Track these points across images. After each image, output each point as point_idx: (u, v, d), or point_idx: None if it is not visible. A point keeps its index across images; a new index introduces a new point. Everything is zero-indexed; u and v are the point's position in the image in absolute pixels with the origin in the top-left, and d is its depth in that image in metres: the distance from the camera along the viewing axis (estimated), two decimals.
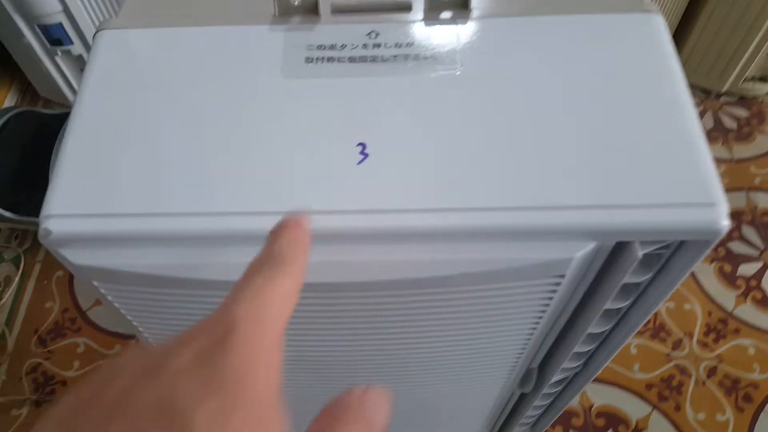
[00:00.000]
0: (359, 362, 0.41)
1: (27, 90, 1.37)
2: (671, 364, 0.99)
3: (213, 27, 0.35)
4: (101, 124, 0.31)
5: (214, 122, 0.31)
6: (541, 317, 0.36)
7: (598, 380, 0.98)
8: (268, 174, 0.30)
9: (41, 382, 1.02)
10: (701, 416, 0.95)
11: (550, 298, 0.33)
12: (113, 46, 0.34)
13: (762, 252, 1.10)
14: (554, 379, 0.47)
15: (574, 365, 0.45)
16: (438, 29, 0.35)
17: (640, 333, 1.02)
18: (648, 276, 0.34)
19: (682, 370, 0.99)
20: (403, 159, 0.30)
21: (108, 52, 0.34)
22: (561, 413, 0.59)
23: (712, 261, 1.09)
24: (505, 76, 0.32)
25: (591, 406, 0.96)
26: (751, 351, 1.00)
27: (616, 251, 0.31)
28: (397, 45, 0.34)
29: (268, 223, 0.29)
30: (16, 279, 1.13)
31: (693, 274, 1.08)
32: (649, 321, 1.04)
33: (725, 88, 1.29)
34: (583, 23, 0.35)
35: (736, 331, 1.02)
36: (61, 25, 1.14)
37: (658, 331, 1.03)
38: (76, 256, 0.30)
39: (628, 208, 0.29)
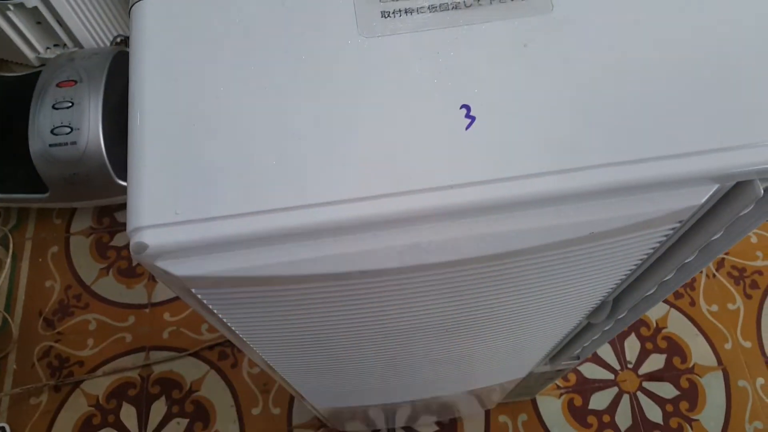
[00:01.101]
0: (462, 320, 0.39)
1: None
2: None
3: None
4: (172, 114, 0.27)
5: (296, 97, 0.28)
6: (646, 258, 0.35)
7: None
8: (370, 153, 0.27)
9: (56, 366, 1.00)
10: (714, 308, 0.99)
11: (663, 242, 0.32)
12: (160, 17, 0.29)
13: None
14: (626, 307, 0.47)
15: (649, 293, 0.45)
16: None
17: None
18: (751, 208, 0.33)
19: None
20: (514, 119, 0.27)
21: (155, 24, 0.29)
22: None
23: None
24: (602, 16, 0.29)
25: None
26: (754, 239, 1.04)
27: (735, 189, 0.30)
28: None
29: (381, 207, 0.26)
30: (8, 260, 1.08)
31: None
32: None
33: None
34: None
35: None
36: None
37: None
38: (177, 268, 0.27)
39: (750, 147, 0.27)
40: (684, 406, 0.92)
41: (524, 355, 0.56)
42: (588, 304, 0.42)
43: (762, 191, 0.29)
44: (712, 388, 0.94)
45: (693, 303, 0.99)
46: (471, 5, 0.30)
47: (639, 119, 0.28)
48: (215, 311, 0.32)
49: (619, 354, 0.96)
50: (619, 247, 0.32)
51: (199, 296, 0.30)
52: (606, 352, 0.97)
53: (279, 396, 0.96)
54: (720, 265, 1.02)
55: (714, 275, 1.01)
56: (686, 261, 0.40)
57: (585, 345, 0.62)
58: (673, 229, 0.31)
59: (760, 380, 0.94)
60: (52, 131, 0.93)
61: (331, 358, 0.44)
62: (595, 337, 0.58)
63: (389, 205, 0.26)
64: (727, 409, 0.92)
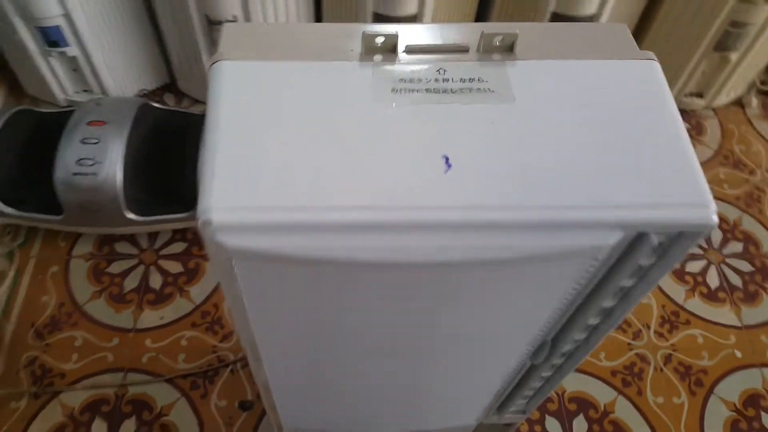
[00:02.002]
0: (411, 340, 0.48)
1: (14, 87, 1.37)
2: (632, 352, 1.12)
3: (311, 62, 0.42)
4: (238, 136, 0.38)
5: (329, 138, 0.38)
6: (573, 294, 0.44)
7: None
8: (377, 178, 0.37)
9: (39, 375, 1.04)
10: (660, 400, 1.07)
11: (584, 278, 0.42)
12: (231, 75, 0.40)
13: (705, 251, 1.25)
14: (563, 350, 0.56)
15: (582, 337, 0.54)
16: (491, 67, 0.43)
17: None
18: (654, 260, 0.43)
19: (642, 358, 1.11)
20: (479, 170, 0.38)
21: (228, 79, 0.40)
22: (550, 393, 0.69)
23: None
24: (549, 110, 0.41)
25: (564, 392, 1.07)
26: (700, 340, 1.14)
27: (635, 240, 0.40)
28: (462, 80, 0.42)
29: (383, 216, 0.37)
30: (11, 274, 1.14)
31: None
32: None
33: None
34: (600, 67, 0.44)
35: (687, 322, 1.15)
36: (59, 27, 1.17)
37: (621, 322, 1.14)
38: (231, 241, 0.36)
39: (649, 207, 0.38)
40: None
41: (473, 390, 0.63)
42: (527, 336, 0.51)
43: (656, 242, 0.40)
44: None
45: (640, 392, 1.07)
46: (456, 91, 0.42)
47: (570, 181, 0.38)
48: (242, 288, 0.41)
49: None
50: (556, 275, 0.41)
51: (236, 271, 0.39)
52: (555, 429, 1.03)
53: (242, 430, 1.00)
54: (668, 360, 1.11)
55: (662, 369, 1.10)
56: (608, 306, 0.49)
57: (530, 396, 0.70)
58: (592, 266, 0.41)
59: None
60: (77, 162, 1.04)
61: (320, 359, 0.52)
62: (538, 386, 0.66)
63: (380, 214, 0.36)
64: None
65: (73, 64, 1.26)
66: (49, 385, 1.03)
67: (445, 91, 0.42)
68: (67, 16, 1.14)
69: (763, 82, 1.46)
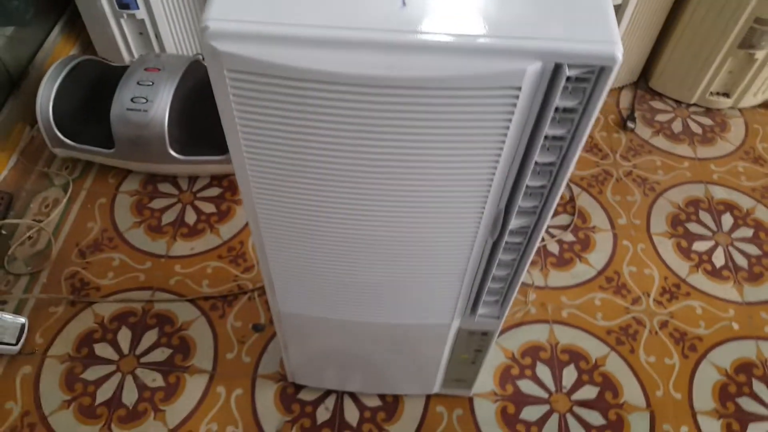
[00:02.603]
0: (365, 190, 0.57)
1: (87, 50, 1.55)
2: (629, 315, 1.15)
3: None
4: None
5: None
6: (504, 136, 0.51)
7: (564, 323, 1.14)
8: (348, 9, 0.47)
9: (78, 287, 1.17)
10: (652, 359, 1.09)
11: (511, 113, 0.49)
12: None
13: (714, 233, 1.27)
14: (515, 223, 0.62)
15: (531, 206, 0.60)
16: None
17: (604, 288, 1.18)
18: (576, 102, 0.50)
19: (639, 322, 1.14)
20: (427, 9, 0.47)
21: None
22: (519, 285, 0.74)
23: (671, 236, 1.26)
24: None
25: (557, 344, 1.11)
26: (699, 311, 1.16)
27: (554, 78, 0.48)
28: None
29: (350, 35, 0.46)
30: (64, 201, 1.29)
31: (654, 245, 1.24)
32: (613, 279, 1.19)
33: (694, 99, 1.48)
34: None
35: (687, 294, 1.18)
36: None
37: (620, 288, 1.18)
38: (224, 47, 0.46)
39: (564, 40, 0.46)
40: None
41: (442, 273, 0.70)
42: (476, 198, 0.58)
43: (569, 72, 0.47)
44: (638, 425, 1.02)
45: (633, 351, 1.10)
46: None
47: (500, 21, 0.47)
48: (235, 108, 0.51)
49: (557, 378, 1.07)
50: (478, 106, 0.49)
51: (229, 84, 0.49)
52: (545, 374, 1.07)
53: (252, 348, 1.09)
54: (664, 325, 1.13)
55: (657, 333, 1.12)
56: (546, 161, 0.56)
57: (499, 293, 0.76)
58: (515, 96, 0.48)
59: (684, 428, 1.02)
60: (131, 99, 1.18)
61: (313, 218, 0.61)
62: (503, 276, 0.72)
63: (347, 33, 0.46)
64: None
65: (140, 27, 1.42)
66: (85, 296, 1.15)
67: None
68: None
69: None
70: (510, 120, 0.51)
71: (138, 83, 1.20)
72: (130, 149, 1.22)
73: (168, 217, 1.28)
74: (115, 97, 1.19)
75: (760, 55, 1.35)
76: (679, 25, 1.39)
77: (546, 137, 0.53)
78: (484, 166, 0.55)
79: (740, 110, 1.51)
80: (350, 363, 0.96)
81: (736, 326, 1.14)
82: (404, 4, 0.48)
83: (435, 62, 0.47)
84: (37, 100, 1.22)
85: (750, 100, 1.48)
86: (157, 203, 1.30)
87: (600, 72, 0.47)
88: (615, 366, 1.08)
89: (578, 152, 0.55)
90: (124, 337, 1.10)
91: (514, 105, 0.49)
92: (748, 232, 1.28)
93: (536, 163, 0.55)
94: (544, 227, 0.64)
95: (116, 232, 1.25)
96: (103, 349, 1.09)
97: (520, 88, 0.48)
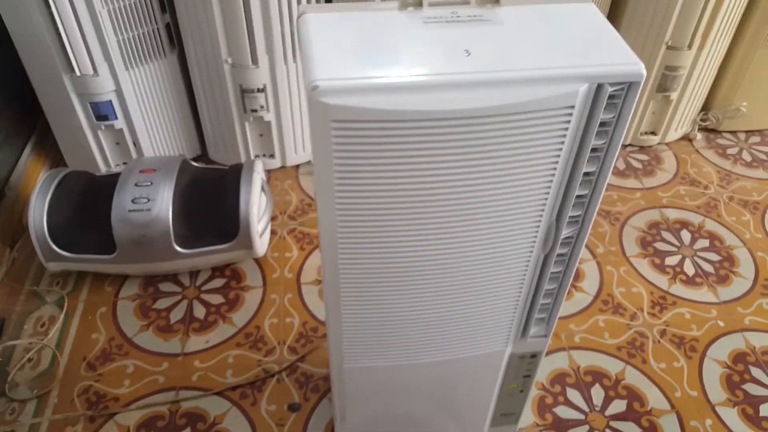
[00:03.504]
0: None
1: (59, 165, 1.54)
2: (632, 331, 1.25)
3: (366, 11, 0.63)
4: (327, 42, 0.57)
5: (389, 43, 0.58)
6: (560, 150, 0.61)
7: (579, 347, 1.22)
8: (429, 61, 0.56)
9: (94, 401, 1.11)
10: (662, 365, 1.19)
11: (566, 129, 0.60)
12: (314, 19, 0.61)
13: (679, 248, 1.43)
14: (564, 233, 0.71)
15: (577, 213, 0.70)
16: (486, 9, 0.64)
17: (603, 311, 1.28)
18: (613, 115, 0.61)
19: (641, 334, 1.24)
20: (487, 56, 0.58)
21: (312, 21, 0.60)
22: (564, 299, 0.82)
23: (645, 256, 1.40)
24: (524, 24, 0.62)
25: (578, 368, 1.18)
26: (687, 316, 1.28)
27: (596, 99, 0.59)
28: (468, 16, 0.63)
29: (436, 79, 0.55)
30: (61, 317, 1.24)
31: (633, 266, 1.38)
32: (608, 301, 1.30)
33: (628, 141, 1.70)
34: (558, 6, 0.66)
35: (674, 303, 1.31)
36: (110, 102, 1.38)
37: (617, 308, 1.29)
38: (333, 101, 0.53)
39: (603, 66, 0.58)
40: None
41: (499, 298, 0.77)
42: (535, 211, 0.67)
43: (610, 90, 0.59)
44: (669, 427, 1.09)
45: (644, 361, 1.20)
46: (465, 21, 0.63)
47: (547, 56, 0.58)
48: (335, 158, 0.57)
49: (588, 399, 1.13)
50: (535, 127, 0.59)
51: (333, 134, 0.56)
52: (576, 397, 1.13)
53: (292, 429, 1.07)
54: (663, 334, 1.24)
55: (659, 341, 1.23)
56: (589, 171, 0.66)
57: (546, 311, 0.83)
58: (569, 114, 0.59)
59: (709, 421, 1.11)
60: (132, 201, 1.20)
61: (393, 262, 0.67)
62: (551, 289, 0.80)
63: (434, 78, 0.55)
64: None
65: (117, 137, 1.45)
66: (104, 408, 1.10)
67: (457, 22, 0.63)
68: (118, 91, 1.36)
69: (702, 120, 1.75)
70: (565, 135, 0.61)
71: (136, 185, 1.22)
72: (132, 251, 1.21)
73: (176, 315, 1.26)
74: (115, 202, 1.20)
75: (674, 96, 1.59)
76: None
77: (589, 151, 0.64)
78: (543, 179, 0.65)
79: (667, 144, 1.74)
80: (403, 418, 0.97)
81: (721, 324, 1.27)
82: (468, 53, 0.58)
83: (506, 93, 0.57)
84: (30, 216, 1.20)
85: (673, 134, 1.72)
86: (162, 303, 1.28)
87: (629, 88, 0.59)
88: (634, 378, 1.17)
89: (614, 160, 0.66)
90: None
91: (569, 122, 0.60)
92: (705, 243, 1.45)
93: (582, 174, 0.65)
94: (587, 234, 0.73)
95: (124, 338, 1.21)
96: None
97: (573, 107, 0.59)
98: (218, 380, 1.15)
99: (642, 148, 1.72)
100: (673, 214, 1.52)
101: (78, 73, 1.31)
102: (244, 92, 1.42)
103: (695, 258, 1.41)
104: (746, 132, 1.79)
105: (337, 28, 0.61)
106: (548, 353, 1.21)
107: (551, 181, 0.65)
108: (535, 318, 0.84)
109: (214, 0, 1.27)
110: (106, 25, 1.27)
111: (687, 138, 1.77)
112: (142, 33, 1.34)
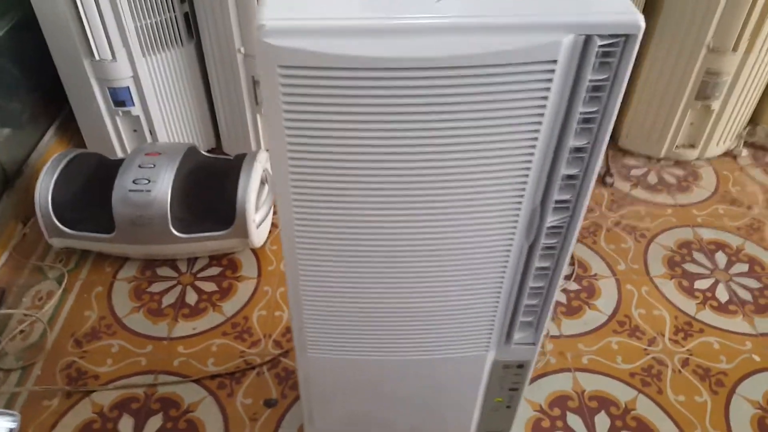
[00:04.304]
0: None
1: (78, 146, 1.57)
2: (649, 356, 1.13)
3: None
4: None
5: None
6: (541, 116, 0.54)
7: (586, 370, 1.11)
8: (392, 6, 0.51)
9: (74, 377, 1.10)
10: (681, 398, 1.06)
11: (548, 89, 0.52)
12: None
13: (712, 271, 1.30)
14: (551, 221, 0.63)
15: (566, 198, 0.62)
16: None
17: (618, 332, 1.17)
18: (607, 76, 0.53)
19: (660, 362, 1.12)
20: (457, 3, 0.52)
21: None
22: (554, 302, 0.74)
23: (671, 277, 1.28)
24: None
25: (583, 391, 1.08)
26: (716, 346, 1.15)
27: (584, 53, 0.51)
28: None
29: (395, 23, 0.49)
30: (59, 293, 1.25)
31: (657, 287, 1.25)
32: (625, 322, 1.19)
33: (662, 154, 1.58)
34: None
35: (701, 331, 1.17)
36: (128, 89, 1.39)
37: (634, 331, 1.17)
38: (278, 42, 0.49)
39: (591, 14, 0.51)
40: None
41: (480, 280, 0.69)
42: (515, 186, 0.59)
43: (599, 43, 0.51)
44: None
45: (660, 392, 1.07)
46: None
47: (529, 5, 0.52)
48: (284, 107, 0.53)
49: (590, 427, 1.02)
50: (521, 77, 0.52)
51: (281, 81, 0.51)
52: (576, 424, 1.02)
53: (266, 425, 1.02)
54: (685, 363, 1.12)
55: (680, 371, 1.10)
56: (579, 145, 0.58)
57: (534, 315, 0.75)
58: (551, 71, 0.52)
59: None
60: (133, 181, 1.19)
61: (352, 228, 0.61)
62: (538, 288, 0.72)
63: (393, 22, 0.49)
64: None
65: (134, 124, 1.47)
66: (83, 385, 1.08)
67: None
68: (136, 78, 1.38)
69: (750, 134, 1.60)
70: (546, 98, 0.54)
71: (139, 166, 1.21)
72: (130, 232, 1.21)
73: (168, 299, 1.24)
74: (117, 181, 1.20)
75: (715, 105, 1.47)
76: (637, 84, 1.51)
77: (578, 121, 0.56)
78: (522, 149, 0.57)
79: (707, 160, 1.61)
80: (377, 421, 0.90)
81: (757, 358, 1.13)
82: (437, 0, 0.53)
83: (474, 41, 0.50)
84: (36, 192, 1.22)
85: (714, 149, 1.58)
86: (157, 287, 1.27)
87: (625, 42, 0.51)
88: (646, 409, 1.05)
89: (608, 133, 0.58)
90: (126, 425, 1.02)
91: (550, 80, 0.52)
92: (744, 267, 1.31)
93: (571, 149, 0.58)
94: (579, 225, 0.65)
95: (114, 318, 1.20)
96: None
97: (555, 62, 0.51)
98: (199, 368, 1.11)
99: (678, 163, 1.59)
100: (707, 234, 1.38)
101: (97, 58, 1.33)
102: (256, 83, 1.41)
103: (730, 283, 1.27)
104: None
105: None
106: (550, 373, 1.11)
107: (532, 153, 0.58)
108: (521, 321, 0.76)
109: None
110: (125, 10, 1.29)
111: (731, 154, 1.62)
112: (160, 20, 1.36)
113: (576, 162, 0.60)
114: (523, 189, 0.60)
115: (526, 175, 0.59)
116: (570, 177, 0.61)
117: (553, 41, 0.50)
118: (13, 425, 0.99)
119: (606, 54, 0.52)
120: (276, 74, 0.51)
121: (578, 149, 0.59)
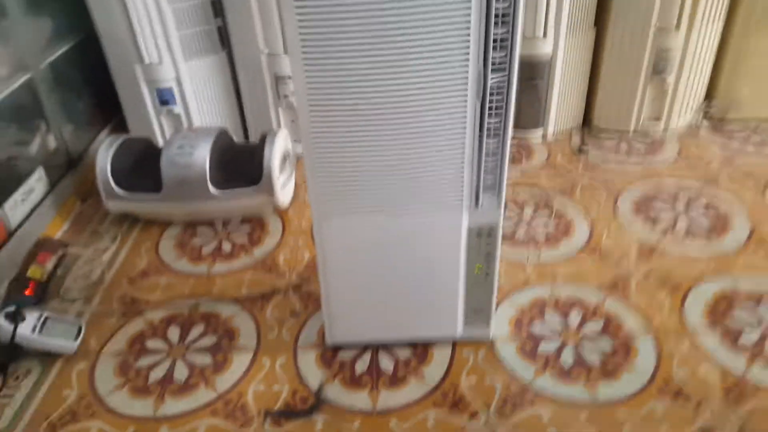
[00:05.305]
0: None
1: None
2: (614, 274, 1.31)
3: None
4: None
5: None
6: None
7: (561, 282, 1.29)
8: None
9: (128, 303, 1.31)
10: (643, 300, 1.24)
11: None
12: None
13: (674, 207, 1.49)
14: (492, 78, 0.84)
15: (500, 57, 0.83)
16: None
17: (590, 255, 1.35)
18: None
19: (624, 278, 1.30)
20: None
21: None
22: (508, 165, 0.94)
23: (637, 217, 1.47)
24: None
25: (558, 297, 1.25)
26: (674, 262, 1.33)
27: None
28: None
29: None
30: (113, 247, 1.48)
31: (623, 226, 1.45)
32: (596, 249, 1.38)
33: (631, 128, 1.81)
34: None
35: (662, 254, 1.36)
36: (171, 89, 1.68)
37: (604, 255, 1.36)
38: None
39: None
40: None
41: (444, 141, 0.90)
42: (460, 52, 0.82)
43: None
44: (644, 348, 1.13)
45: (626, 297, 1.25)
46: None
47: None
48: (300, 27, 0.78)
49: (565, 320, 1.20)
50: None
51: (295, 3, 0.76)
52: (553, 319, 1.20)
53: (291, 328, 1.21)
54: (647, 276, 1.29)
55: (642, 282, 1.28)
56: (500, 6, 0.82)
57: (494, 174, 0.96)
58: None
59: (686, 342, 1.13)
60: (178, 147, 1.45)
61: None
62: (494, 145, 0.92)
63: None
64: None
65: (175, 122, 1.75)
66: (135, 307, 1.29)
67: None
68: (178, 80, 1.67)
69: (707, 107, 1.83)
70: None
71: (183, 137, 1.48)
72: (176, 189, 1.45)
73: (207, 250, 1.46)
74: (164, 149, 1.46)
75: (670, 79, 1.71)
76: (601, 68, 1.77)
77: None
78: (462, 18, 0.80)
79: (673, 132, 1.83)
80: (382, 295, 1.09)
81: (710, 269, 1.30)
82: None
83: None
84: (97, 162, 1.48)
85: (677, 122, 1.81)
86: (197, 242, 1.49)
87: None
88: (613, 307, 1.22)
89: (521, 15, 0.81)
90: (173, 333, 1.22)
91: None
92: (701, 207, 1.50)
93: (496, 13, 0.80)
94: (514, 82, 0.87)
95: (163, 265, 1.42)
96: (154, 344, 1.20)
97: None
98: (234, 293, 1.32)
99: (646, 135, 1.82)
100: (672, 183, 1.59)
101: (146, 61, 1.63)
102: (278, 79, 1.69)
103: (691, 215, 1.46)
104: (758, 120, 1.85)
105: None
106: (531, 286, 1.29)
107: (468, 19, 0.80)
108: (484, 184, 0.96)
109: (253, 2, 1.58)
110: (170, 22, 1.60)
111: (693, 126, 1.84)
112: (199, 31, 1.66)
113: (503, 25, 0.82)
114: (467, 51, 0.83)
115: (468, 37, 0.82)
116: (501, 41, 0.83)
117: None
118: (81, 323, 1.19)
119: None
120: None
121: (504, 13, 0.81)
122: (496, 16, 0.82)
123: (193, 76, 1.70)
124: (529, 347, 1.14)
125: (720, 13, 1.66)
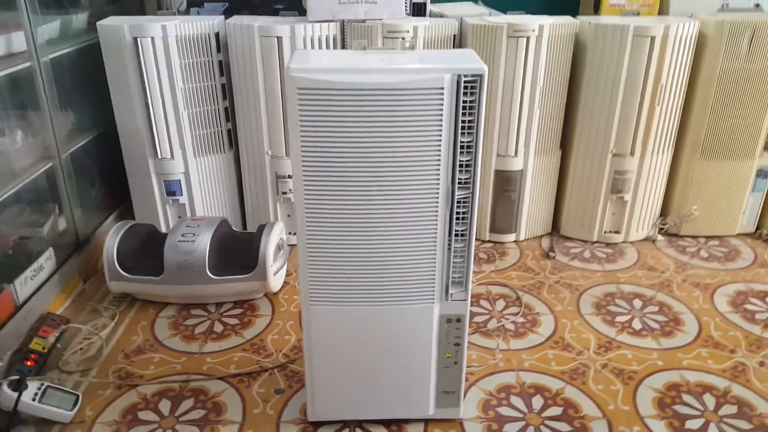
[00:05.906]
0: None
1: None
2: (576, 362, 1.43)
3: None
4: (302, 59, 1.00)
5: (343, 58, 1.00)
6: (440, 122, 0.97)
7: (527, 370, 1.41)
8: (361, 62, 0.98)
9: (124, 377, 1.39)
10: (600, 387, 1.35)
11: (441, 105, 0.96)
12: (296, 54, 1.05)
13: (629, 311, 1.64)
14: (458, 194, 1.02)
15: (465, 178, 1.01)
16: (405, 52, 1.07)
17: (554, 348, 1.48)
18: (473, 98, 0.97)
19: (584, 365, 1.42)
20: (392, 62, 0.99)
21: (295, 55, 1.04)
22: (472, 262, 1.10)
23: (597, 315, 1.61)
24: (423, 55, 1.04)
25: (524, 383, 1.36)
26: (630, 356, 1.46)
27: (458, 85, 0.96)
28: (391, 50, 1.06)
29: (367, 68, 0.95)
30: (111, 324, 1.57)
31: (586, 320, 1.58)
32: (559, 342, 1.51)
33: (594, 238, 2.00)
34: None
35: (618, 347, 1.49)
36: (179, 181, 1.86)
37: (566, 347, 1.49)
38: (298, 75, 0.94)
39: (460, 66, 0.97)
40: None
41: (418, 244, 1.06)
42: (432, 171, 1.01)
43: (464, 78, 0.97)
44: (598, 430, 1.24)
45: (584, 383, 1.36)
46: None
47: (430, 66, 0.99)
48: (300, 118, 0.96)
49: (528, 405, 1.30)
50: (426, 98, 0.96)
51: (298, 98, 0.95)
52: (518, 402, 1.30)
53: (275, 405, 1.30)
54: (604, 366, 1.42)
55: (600, 371, 1.40)
56: (464, 141, 1.01)
57: (461, 272, 1.11)
58: (441, 97, 0.96)
59: (636, 428, 1.24)
60: (182, 234, 1.60)
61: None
62: (461, 248, 1.09)
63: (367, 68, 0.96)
64: None
65: (179, 211, 1.90)
66: (130, 381, 1.37)
67: (383, 52, 1.05)
68: (186, 174, 1.85)
69: (662, 223, 2.03)
70: (442, 110, 0.98)
71: (187, 226, 1.63)
72: (176, 274, 1.58)
73: (200, 329, 1.56)
74: (168, 236, 1.60)
75: (628, 197, 1.92)
76: (568, 185, 1.99)
77: (462, 126, 0.99)
78: (433, 145, 1.00)
79: (632, 243, 2.02)
80: (361, 376, 1.20)
81: (660, 363, 1.43)
82: (382, 60, 1.00)
83: (400, 76, 0.96)
84: (105, 246, 1.61)
85: (635, 235, 2.00)
86: (191, 321, 1.60)
87: (480, 79, 0.97)
88: (572, 394, 1.33)
89: (481, 134, 1.01)
90: (164, 405, 1.30)
91: (442, 99, 0.97)
92: (655, 308, 1.65)
93: (462, 144, 1.00)
94: (477, 196, 1.05)
95: (156, 341, 1.52)
96: (145, 415, 1.27)
97: (443, 89, 0.97)
98: (223, 370, 1.41)
99: (608, 245, 2.01)
100: (628, 288, 1.75)
101: (159, 156, 1.81)
102: (278, 178, 1.87)
103: (644, 318, 1.61)
104: (706, 237, 2.05)
105: (311, 55, 1.05)
106: (499, 372, 1.40)
107: (439, 146, 1.00)
108: (452, 279, 1.11)
109: (262, 107, 1.80)
110: (186, 123, 1.80)
111: (650, 239, 2.04)
112: (210, 132, 1.87)
113: (467, 153, 1.02)
114: (438, 172, 1.02)
115: (438, 161, 1.01)
116: (466, 165, 1.02)
117: (440, 77, 0.97)
118: (78, 393, 1.27)
119: (469, 84, 0.98)
120: (296, 94, 0.96)
121: (468, 145, 1.01)
122: (462, 146, 1.01)
123: (200, 170, 1.88)
124: (495, 428, 1.23)
125: (669, 144, 1.91)
